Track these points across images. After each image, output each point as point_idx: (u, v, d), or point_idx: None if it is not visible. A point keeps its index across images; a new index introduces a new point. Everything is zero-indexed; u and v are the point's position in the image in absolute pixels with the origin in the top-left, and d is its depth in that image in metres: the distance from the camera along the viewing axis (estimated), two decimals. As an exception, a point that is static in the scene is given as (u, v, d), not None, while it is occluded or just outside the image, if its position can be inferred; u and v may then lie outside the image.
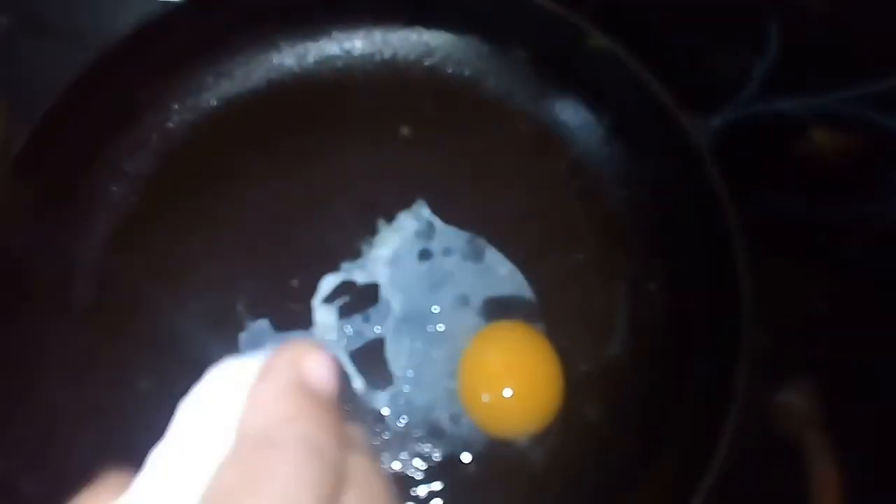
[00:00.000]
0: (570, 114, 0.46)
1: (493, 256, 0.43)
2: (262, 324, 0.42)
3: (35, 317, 0.41)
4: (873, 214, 0.51)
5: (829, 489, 0.43)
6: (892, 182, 0.52)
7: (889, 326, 0.49)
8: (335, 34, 0.47)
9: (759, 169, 0.53)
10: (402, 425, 0.41)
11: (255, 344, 0.42)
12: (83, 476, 0.38)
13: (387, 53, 0.47)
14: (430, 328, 0.42)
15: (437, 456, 0.40)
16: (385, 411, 0.41)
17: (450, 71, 0.47)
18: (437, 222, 0.44)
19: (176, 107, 0.45)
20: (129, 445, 0.39)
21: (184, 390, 0.40)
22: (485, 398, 0.40)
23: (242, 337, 0.42)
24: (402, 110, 0.46)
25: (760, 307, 0.49)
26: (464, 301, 0.43)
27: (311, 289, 0.43)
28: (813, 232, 0.52)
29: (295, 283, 0.43)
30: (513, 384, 0.40)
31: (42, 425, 0.39)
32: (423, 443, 0.41)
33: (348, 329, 0.42)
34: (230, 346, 0.42)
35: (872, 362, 0.48)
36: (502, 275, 0.43)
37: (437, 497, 0.40)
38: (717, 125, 0.53)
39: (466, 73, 0.47)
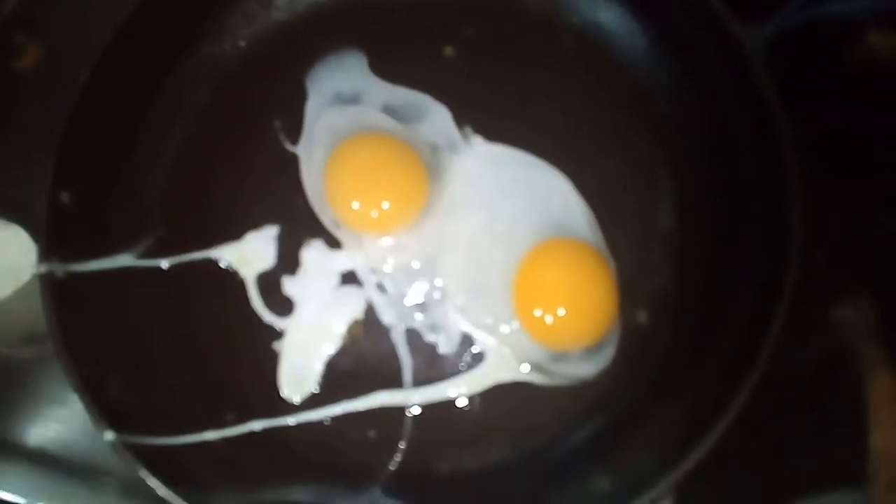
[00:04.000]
0: (616, 25, 0.46)
1: (542, 168, 0.44)
2: (318, 244, 0.44)
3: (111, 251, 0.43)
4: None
5: (886, 396, 0.43)
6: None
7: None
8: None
9: (814, 79, 0.52)
10: (456, 336, 0.42)
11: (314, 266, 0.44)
12: (162, 384, 0.42)
13: (429, -28, 0.48)
14: (484, 240, 0.43)
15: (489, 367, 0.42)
16: (438, 321, 0.43)
17: (492, -13, 0.47)
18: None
19: (228, 37, 0.47)
20: (200, 357, 0.43)
21: (251, 315, 0.42)
22: (541, 315, 0.41)
23: (302, 253, 0.44)
24: (445, 30, 0.47)
25: (814, 223, 0.49)
26: (517, 212, 0.43)
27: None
28: (870, 144, 0.50)
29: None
30: (568, 302, 0.40)
31: (122, 337, 0.42)
32: (476, 355, 0.42)
33: (406, 244, 0.44)
34: (291, 267, 0.44)
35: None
36: (553, 186, 0.44)
37: (490, 407, 0.41)
38: (769, 33, 0.52)
39: (509, -13, 0.47)
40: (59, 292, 0.40)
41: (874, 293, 0.46)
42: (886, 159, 0.50)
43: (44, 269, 0.39)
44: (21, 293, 0.44)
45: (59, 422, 0.47)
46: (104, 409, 0.38)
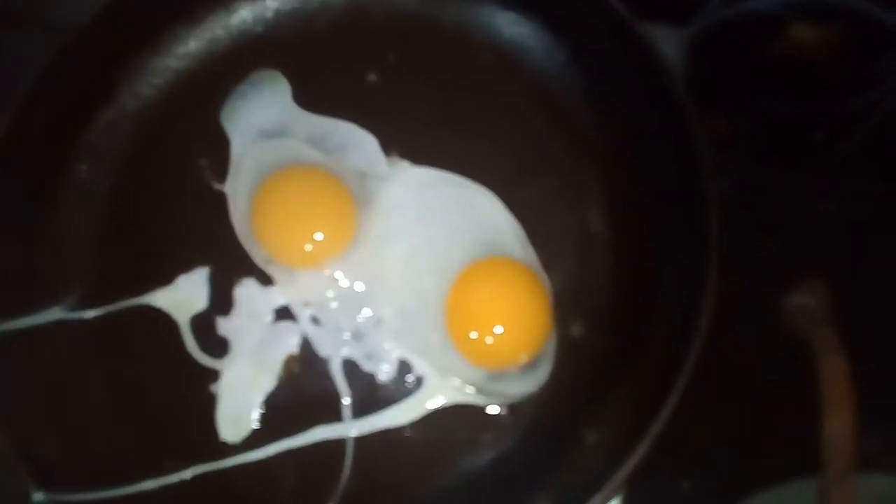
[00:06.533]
0: (532, 41, 0.46)
1: (470, 188, 0.44)
2: (250, 282, 0.44)
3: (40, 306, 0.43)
4: (870, 104, 0.50)
5: (838, 381, 0.43)
6: (882, 67, 0.50)
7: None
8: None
9: (744, 74, 0.52)
10: (393, 364, 0.42)
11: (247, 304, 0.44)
12: (98, 437, 0.42)
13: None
14: (415, 264, 0.43)
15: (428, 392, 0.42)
16: (374, 349, 0.42)
17: (410, 11, 0.47)
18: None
19: (145, 80, 0.47)
20: (137, 406, 0.42)
21: (186, 359, 0.42)
22: (475, 336, 0.40)
23: (235, 292, 0.44)
24: (367, 57, 0.47)
25: (762, 213, 0.49)
26: (447, 234, 0.43)
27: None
28: (810, 132, 0.51)
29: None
30: (499, 321, 0.40)
31: (55, 393, 0.41)
32: (414, 379, 0.42)
33: (338, 275, 0.43)
34: (224, 307, 0.44)
35: (880, 256, 0.47)
36: (482, 205, 0.44)
37: (432, 433, 0.41)
38: (693, 33, 0.52)
39: (425, 10, 0.47)
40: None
41: (828, 277, 0.46)
42: (826, 145, 0.51)
43: (-32, 332, 0.39)
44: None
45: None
46: (38, 469, 0.38)
